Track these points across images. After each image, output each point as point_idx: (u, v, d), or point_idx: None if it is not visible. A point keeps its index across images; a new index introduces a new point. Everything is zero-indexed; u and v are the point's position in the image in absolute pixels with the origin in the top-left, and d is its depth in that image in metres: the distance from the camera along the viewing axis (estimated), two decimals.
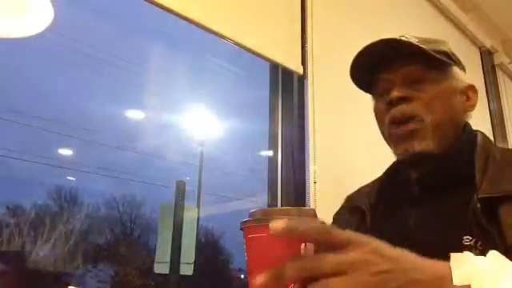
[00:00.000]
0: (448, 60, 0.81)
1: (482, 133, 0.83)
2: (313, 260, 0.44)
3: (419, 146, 0.76)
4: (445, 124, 0.78)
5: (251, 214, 0.48)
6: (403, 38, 0.81)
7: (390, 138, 0.82)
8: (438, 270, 0.47)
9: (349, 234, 0.45)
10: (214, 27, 1.26)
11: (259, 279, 0.43)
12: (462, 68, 0.86)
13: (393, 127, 0.79)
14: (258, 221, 0.47)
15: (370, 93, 0.88)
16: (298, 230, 0.43)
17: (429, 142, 0.76)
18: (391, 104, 0.79)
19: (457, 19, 2.48)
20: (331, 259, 0.43)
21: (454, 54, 0.84)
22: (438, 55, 0.78)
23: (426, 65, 0.79)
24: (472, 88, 0.85)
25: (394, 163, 0.86)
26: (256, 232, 0.47)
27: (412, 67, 0.79)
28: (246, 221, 0.48)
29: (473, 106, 0.84)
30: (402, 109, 0.77)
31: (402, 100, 0.78)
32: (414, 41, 0.80)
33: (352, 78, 0.86)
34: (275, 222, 0.43)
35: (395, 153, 0.82)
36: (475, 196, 0.68)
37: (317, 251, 0.45)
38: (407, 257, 0.47)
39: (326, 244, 0.44)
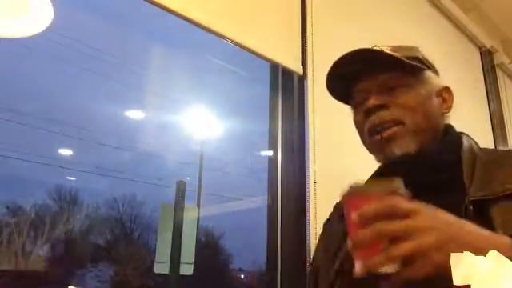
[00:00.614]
0: (420, 65, 0.83)
1: (466, 135, 0.84)
2: (384, 224, 0.53)
3: (400, 149, 0.78)
4: (423, 126, 0.79)
5: (350, 188, 0.61)
6: (375, 48, 0.82)
7: (371, 147, 0.83)
8: (496, 243, 0.53)
9: (412, 204, 0.55)
10: (213, 27, 1.26)
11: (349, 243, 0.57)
12: (435, 72, 0.87)
13: (372, 135, 0.81)
14: (354, 194, 0.60)
15: (348, 103, 0.90)
16: (370, 214, 0.55)
17: (409, 145, 0.78)
18: (369, 112, 0.80)
19: (457, 19, 2.48)
20: (399, 224, 0.53)
21: (426, 60, 0.86)
22: (409, 61, 0.80)
23: (399, 72, 0.80)
24: (447, 90, 0.86)
25: (378, 168, 0.87)
26: (353, 201, 0.59)
27: (386, 75, 0.81)
28: (346, 193, 0.61)
29: (449, 108, 0.86)
30: (381, 115, 0.79)
31: (379, 107, 0.79)
32: (386, 49, 0.82)
33: (328, 88, 0.89)
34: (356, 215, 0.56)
35: (378, 160, 0.84)
36: (466, 199, 0.69)
37: None
38: (465, 225, 0.56)
39: (396, 215, 0.54)
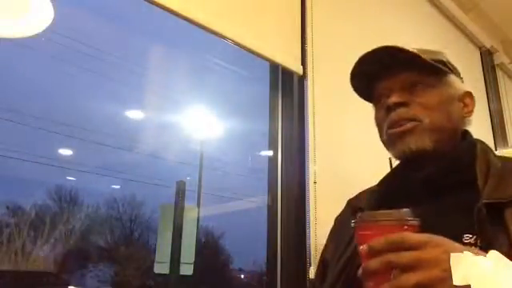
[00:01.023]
0: (443, 67, 0.84)
1: (481, 141, 0.85)
2: (394, 256, 0.55)
3: (415, 144, 0.79)
4: (442, 126, 0.80)
5: (360, 217, 0.62)
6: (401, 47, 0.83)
7: (388, 139, 0.84)
8: None
9: (421, 236, 0.57)
10: (213, 27, 1.26)
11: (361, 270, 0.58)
12: (459, 76, 0.89)
13: (389, 129, 0.82)
14: (364, 222, 0.61)
15: (371, 101, 0.91)
16: (380, 246, 0.56)
17: (425, 140, 0.79)
18: (389, 109, 0.82)
19: (457, 19, 2.48)
20: (408, 255, 0.55)
21: (450, 63, 0.87)
22: (432, 62, 0.81)
23: (422, 71, 0.81)
24: (469, 95, 0.88)
25: (394, 168, 0.87)
26: (364, 230, 0.61)
27: (409, 73, 0.82)
28: (357, 221, 0.62)
29: (470, 112, 0.87)
30: (400, 113, 0.81)
31: (400, 105, 0.81)
32: (412, 51, 0.82)
33: (352, 86, 0.90)
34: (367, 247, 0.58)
35: (393, 154, 0.84)
36: (480, 201, 0.70)
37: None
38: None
39: (405, 247, 0.56)
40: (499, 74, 2.81)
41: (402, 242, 0.56)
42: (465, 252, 0.52)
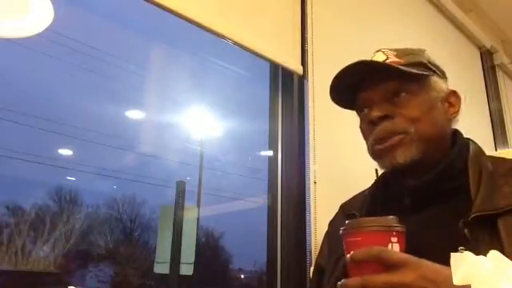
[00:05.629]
0: (424, 71, 0.81)
1: (472, 141, 0.84)
2: (369, 278, 0.57)
3: (402, 157, 0.77)
4: (428, 135, 0.79)
5: (348, 224, 0.64)
6: (380, 54, 0.82)
7: (374, 155, 0.83)
8: None
9: (400, 256, 0.58)
10: (213, 27, 1.26)
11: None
12: (442, 75, 0.86)
13: (376, 145, 0.80)
14: (353, 229, 0.63)
15: (353, 110, 0.89)
16: (361, 259, 0.59)
17: (413, 152, 0.77)
18: (373, 123, 0.80)
19: (457, 19, 2.48)
20: (382, 278, 0.56)
21: (432, 63, 0.84)
22: (410, 68, 0.79)
23: (402, 79, 0.79)
24: (454, 94, 0.85)
25: (383, 173, 0.87)
26: (352, 237, 0.62)
27: (388, 83, 0.80)
28: (345, 228, 0.64)
29: (457, 112, 0.85)
30: (385, 127, 0.79)
31: (384, 118, 0.79)
32: (391, 54, 0.81)
33: (332, 99, 0.88)
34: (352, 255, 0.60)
35: (381, 167, 0.83)
36: (471, 214, 0.69)
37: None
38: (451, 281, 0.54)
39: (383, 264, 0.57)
40: (499, 73, 2.81)
41: (380, 257, 0.57)
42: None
